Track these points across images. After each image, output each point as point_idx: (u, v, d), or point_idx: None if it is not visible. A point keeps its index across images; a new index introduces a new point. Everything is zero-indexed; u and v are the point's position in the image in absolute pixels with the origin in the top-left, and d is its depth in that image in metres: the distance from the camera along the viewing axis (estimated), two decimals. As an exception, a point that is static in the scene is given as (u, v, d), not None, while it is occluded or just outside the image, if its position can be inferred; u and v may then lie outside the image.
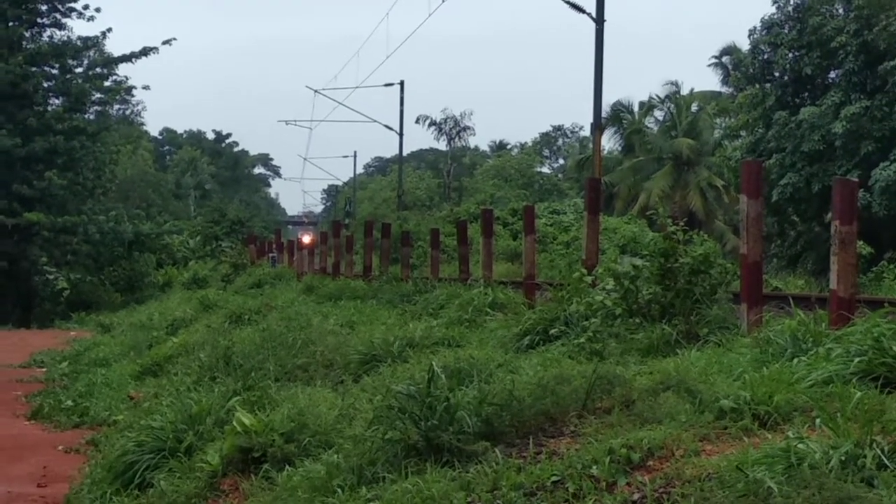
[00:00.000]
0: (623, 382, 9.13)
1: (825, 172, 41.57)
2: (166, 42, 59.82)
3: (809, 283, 36.06)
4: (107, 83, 60.61)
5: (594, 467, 7.35)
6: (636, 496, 6.92)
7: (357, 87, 73.87)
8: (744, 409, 7.94)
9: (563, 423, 8.75)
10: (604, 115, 46.76)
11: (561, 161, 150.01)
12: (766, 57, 45.67)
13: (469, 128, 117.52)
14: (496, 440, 8.59)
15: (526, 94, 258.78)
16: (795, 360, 9.14)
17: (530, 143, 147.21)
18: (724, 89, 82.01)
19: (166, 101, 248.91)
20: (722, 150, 62.58)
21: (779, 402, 7.93)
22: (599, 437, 7.95)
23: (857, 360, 8.59)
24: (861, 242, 28.93)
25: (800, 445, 6.61)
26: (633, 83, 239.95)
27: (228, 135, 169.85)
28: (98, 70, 60.71)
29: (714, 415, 8.00)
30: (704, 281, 12.80)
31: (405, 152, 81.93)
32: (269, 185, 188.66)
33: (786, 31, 44.51)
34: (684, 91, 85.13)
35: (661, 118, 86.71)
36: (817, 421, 7.31)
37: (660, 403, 8.48)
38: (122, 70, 61.15)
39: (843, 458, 6.38)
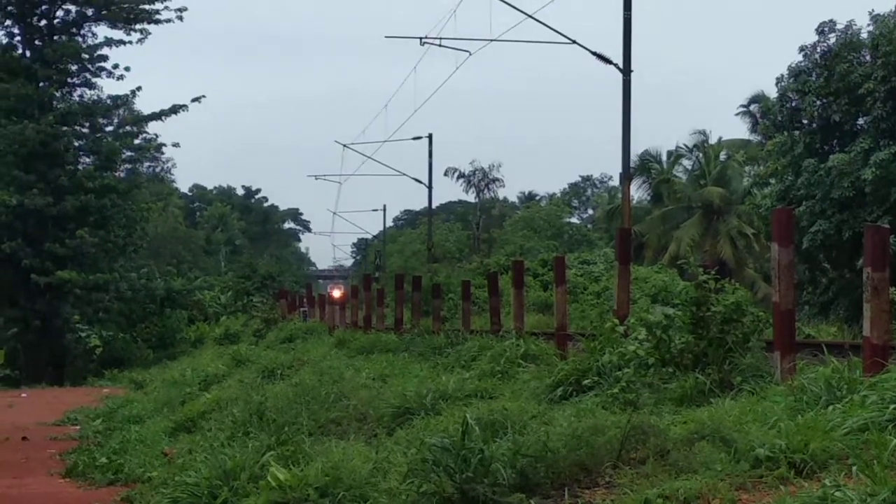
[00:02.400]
0: (657, 432, 9.11)
1: (855, 219, 41.43)
2: (196, 99, 60.21)
3: (842, 331, 35.87)
4: (137, 141, 61.00)
5: (630, 518, 7.34)
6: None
7: (386, 141, 74.05)
8: (779, 457, 7.92)
9: (597, 473, 8.75)
10: (632, 164, 46.78)
11: (590, 211, 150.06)
12: (793, 104, 45.60)
13: (498, 179, 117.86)
14: (531, 492, 8.59)
15: (554, 144, 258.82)
16: (830, 408, 9.11)
17: (559, 194, 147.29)
18: (753, 137, 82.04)
19: (196, 158, 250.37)
20: (751, 198, 62.51)
21: (815, 450, 7.91)
22: (635, 488, 7.94)
23: (892, 406, 8.56)
24: (894, 289, 28.81)
25: (837, 493, 6.59)
26: (660, 132, 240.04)
27: (258, 190, 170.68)
28: (128, 128, 61.19)
29: (750, 463, 7.98)
30: (737, 329, 12.76)
31: (434, 205, 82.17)
32: (299, 240, 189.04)
33: (813, 78, 44.46)
34: (712, 140, 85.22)
35: (689, 167, 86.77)
36: (854, 468, 7.28)
37: (695, 453, 8.47)
38: (152, 128, 61.46)
39: (880, 506, 6.36)
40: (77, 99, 60.51)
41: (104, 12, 58.99)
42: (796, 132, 45.81)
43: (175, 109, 59.61)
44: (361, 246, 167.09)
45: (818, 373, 10.28)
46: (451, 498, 8.65)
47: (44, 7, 59.13)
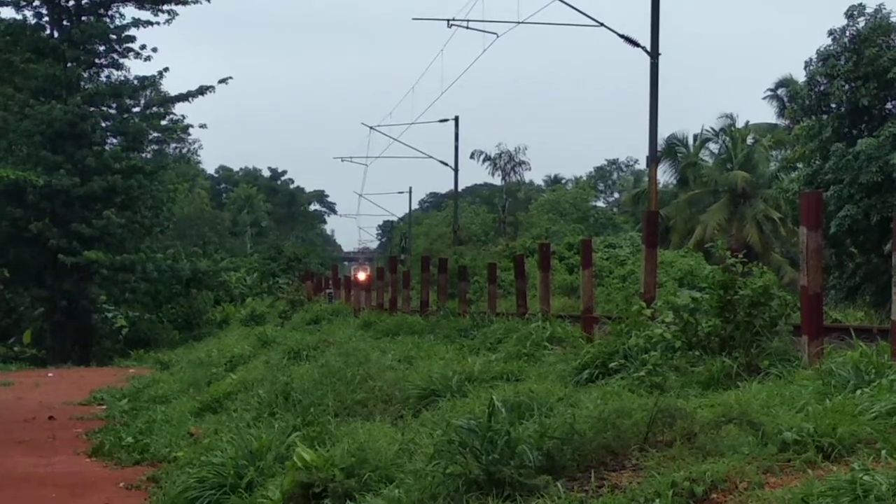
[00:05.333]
0: (684, 415, 9.09)
1: (884, 204, 41.22)
2: (222, 81, 60.14)
3: (869, 315, 35.74)
4: (163, 122, 61.05)
5: (657, 501, 7.33)
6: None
7: (412, 124, 74.38)
8: (807, 441, 7.89)
9: (624, 456, 8.73)
10: (658, 148, 46.64)
11: (616, 195, 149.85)
12: (822, 88, 45.33)
13: (524, 162, 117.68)
14: (557, 474, 8.58)
15: (580, 128, 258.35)
16: (858, 392, 9.08)
17: (585, 177, 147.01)
18: (780, 121, 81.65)
19: (222, 139, 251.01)
20: (778, 183, 62.23)
21: (842, 434, 7.88)
22: (662, 471, 7.92)
23: (921, 391, 8.53)
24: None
25: (865, 477, 6.56)
26: (686, 116, 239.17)
27: (284, 172, 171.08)
28: (155, 109, 61.19)
29: (777, 447, 7.96)
30: (764, 313, 12.71)
31: (460, 187, 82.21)
32: (324, 222, 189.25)
33: (842, 62, 44.20)
34: (739, 123, 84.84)
35: (715, 151, 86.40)
36: (882, 452, 7.26)
37: (722, 436, 8.45)
38: (179, 109, 61.44)
39: (909, 490, 6.33)
40: (104, 80, 60.53)
41: (132, -7, 59.17)
42: (824, 116, 45.57)
43: (202, 91, 59.60)
44: (387, 228, 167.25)
45: (846, 357, 10.25)
46: (476, 479, 8.65)
47: (72, -13, 59.27)
